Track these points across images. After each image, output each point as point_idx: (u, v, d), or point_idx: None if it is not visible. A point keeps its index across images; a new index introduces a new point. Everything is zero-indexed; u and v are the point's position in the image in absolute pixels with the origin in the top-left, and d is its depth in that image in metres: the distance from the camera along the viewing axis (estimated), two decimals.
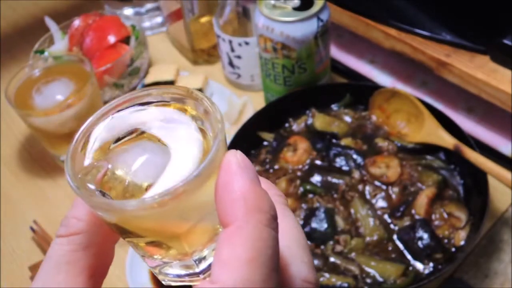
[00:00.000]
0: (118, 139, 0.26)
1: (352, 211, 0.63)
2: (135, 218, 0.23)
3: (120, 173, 0.25)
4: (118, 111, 0.26)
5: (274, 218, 0.23)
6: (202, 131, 0.25)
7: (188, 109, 0.26)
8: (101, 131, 0.26)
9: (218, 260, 0.21)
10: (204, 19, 0.88)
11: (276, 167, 0.69)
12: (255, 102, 0.81)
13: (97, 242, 0.26)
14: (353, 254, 0.60)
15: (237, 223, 0.22)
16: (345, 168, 0.67)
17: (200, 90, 0.83)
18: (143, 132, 0.26)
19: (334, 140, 0.71)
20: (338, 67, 0.84)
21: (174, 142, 0.25)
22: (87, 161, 0.25)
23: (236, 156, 0.23)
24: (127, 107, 0.27)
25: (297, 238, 0.26)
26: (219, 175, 0.23)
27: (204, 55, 0.92)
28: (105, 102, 0.85)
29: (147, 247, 0.26)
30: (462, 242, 0.59)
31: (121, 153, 0.25)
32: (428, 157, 0.67)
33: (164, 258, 0.26)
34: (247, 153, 0.71)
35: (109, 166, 0.25)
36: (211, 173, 0.23)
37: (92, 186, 0.24)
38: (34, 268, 0.67)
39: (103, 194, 0.24)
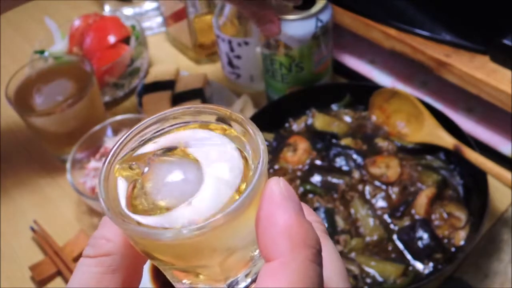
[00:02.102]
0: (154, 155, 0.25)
1: (352, 211, 0.63)
2: (169, 247, 0.22)
3: (151, 189, 0.23)
4: (155, 130, 0.25)
5: (319, 252, 0.22)
6: (241, 153, 0.24)
7: (229, 130, 0.25)
8: (136, 147, 0.25)
9: None
10: (208, 17, 0.88)
11: (276, 167, 0.70)
12: (255, 102, 0.81)
13: (127, 264, 0.24)
14: (353, 254, 0.60)
15: (283, 259, 0.21)
16: (345, 168, 0.67)
17: (200, 90, 0.83)
18: (179, 150, 0.25)
19: (334, 140, 0.71)
20: (338, 67, 0.84)
21: (212, 163, 0.24)
22: (120, 182, 0.24)
23: (279, 185, 0.22)
24: (164, 125, 0.25)
25: (339, 270, 0.25)
26: (261, 206, 0.22)
27: (207, 52, 0.92)
28: (105, 102, 0.85)
29: (178, 272, 0.24)
30: (462, 242, 0.59)
31: (156, 169, 0.24)
32: (428, 157, 0.67)
33: (194, 283, 0.25)
34: None
35: (146, 169, 0.24)
36: (252, 202, 0.22)
37: (123, 202, 0.23)
38: (34, 268, 0.67)
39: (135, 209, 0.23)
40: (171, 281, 0.26)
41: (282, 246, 0.21)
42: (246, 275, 0.25)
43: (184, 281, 0.25)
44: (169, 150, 0.25)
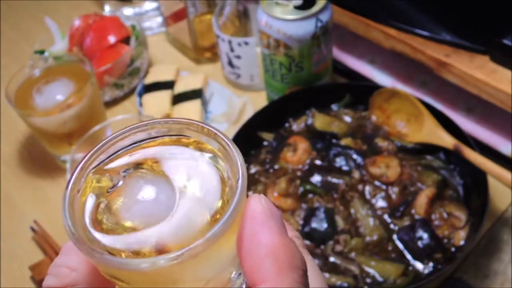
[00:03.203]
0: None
1: (352, 211, 0.63)
2: (146, 276, 0.21)
3: (121, 206, 0.22)
4: (126, 144, 0.24)
5: (305, 273, 0.21)
6: (217, 169, 0.23)
7: (204, 145, 0.24)
8: (107, 160, 0.24)
9: None
10: (208, 17, 0.88)
11: (276, 167, 0.70)
12: (255, 102, 0.82)
13: None
14: (353, 254, 0.60)
15: (269, 283, 0.20)
16: (345, 168, 0.67)
17: (200, 90, 0.83)
18: (151, 165, 0.23)
19: (334, 140, 0.71)
20: (338, 67, 0.84)
21: (186, 181, 0.22)
22: (89, 198, 0.22)
23: (261, 203, 0.21)
24: (135, 139, 0.24)
25: (321, 286, 0.25)
26: (243, 226, 0.21)
27: (207, 53, 0.92)
28: (105, 102, 0.85)
29: None
30: (462, 242, 0.59)
31: (127, 185, 0.22)
32: (428, 157, 0.67)
33: None
34: (247, 153, 0.71)
35: (119, 183, 0.22)
36: (233, 223, 0.20)
37: (88, 220, 0.22)
38: (34, 268, 0.67)
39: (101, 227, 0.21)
40: None
41: (268, 269, 0.20)
42: None
43: None
44: (140, 166, 0.23)
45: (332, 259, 0.60)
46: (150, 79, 0.87)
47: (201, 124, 0.23)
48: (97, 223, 0.22)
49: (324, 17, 0.69)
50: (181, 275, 0.21)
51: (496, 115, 0.71)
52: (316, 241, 0.61)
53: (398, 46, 0.72)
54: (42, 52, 0.89)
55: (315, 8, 0.68)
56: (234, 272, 0.23)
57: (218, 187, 0.22)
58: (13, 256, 0.70)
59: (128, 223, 0.21)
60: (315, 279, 0.24)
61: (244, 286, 0.25)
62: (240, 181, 0.21)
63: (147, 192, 0.22)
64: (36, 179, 0.80)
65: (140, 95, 0.85)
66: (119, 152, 0.24)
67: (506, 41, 0.62)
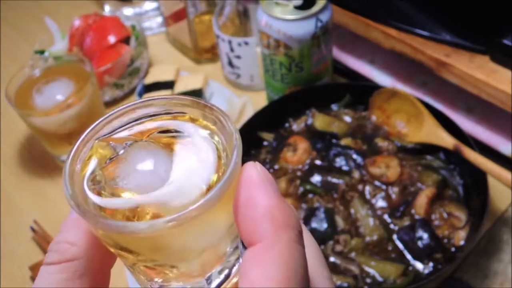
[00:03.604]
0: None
1: (352, 211, 0.63)
2: (144, 240, 0.21)
3: (119, 173, 0.23)
4: (128, 120, 0.25)
5: (301, 234, 0.21)
6: (214, 144, 0.23)
7: (199, 120, 0.24)
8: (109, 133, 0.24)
9: (248, 281, 0.20)
10: (208, 17, 0.88)
11: (276, 167, 0.70)
12: (255, 102, 0.82)
13: (94, 267, 0.23)
14: (353, 254, 0.60)
15: (266, 242, 0.20)
16: (345, 168, 0.67)
17: (200, 90, 0.83)
18: (150, 140, 0.24)
19: (334, 140, 0.71)
20: (338, 67, 0.84)
21: (183, 154, 0.23)
22: (92, 163, 0.23)
23: (257, 169, 0.22)
24: (134, 116, 0.25)
25: (316, 254, 0.25)
26: (239, 191, 0.21)
27: (207, 53, 0.92)
28: (105, 102, 0.85)
29: (149, 270, 0.24)
30: (462, 242, 0.59)
31: (127, 155, 0.23)
32: (428, 157, 0.67)
33: (167, 280, 0.24)
34: (247, 153, 0.71)
35: (121, 151, 0.23)
36: (228, 189, 0.21)
37: (86, 188, 0.22)
38: (34, 268, 0.67)
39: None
40: (140, 284, 0.25)
41: (265, 228, 0.20)
42: (220, 272, 0.24)
43: (156, 279, 0.24)
44: (139, 139, 0.24)
45: (332, 259, 0.60)
46: (150, 79, 0.87)
47: (197, 99, 0.24)
48: (96, 191, 0.23)
49: (324, 17, 0.69)
50: (178, 240, 0.21)
51: (496, 115, 0.71)
52: (316, 241, 0.61)
53: (398, 46, 0.72)
54: (42, 52, 0.89)
55: (315, 8, 0.68)
56: (229, 246, 0.24)
57: (214, 161, 0.22)
58: (13, 256, 0.70)
59: (125, 191, 0.22)
60: (309, 247, 0.25)
61: (238, 263, 0.25)
62: (235, 150, 0.22)
63: (145, 163, 0.23)
64: (36, 179, 0.80)
65: (140, 95, 0.85)
66: (119, 129, 0.25)
67: (506, 41, 0.62)
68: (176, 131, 0.24)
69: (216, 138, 0.24)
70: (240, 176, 0.22)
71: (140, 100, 0.25)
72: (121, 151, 0.23)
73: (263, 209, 0.21)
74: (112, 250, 0.23)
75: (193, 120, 0.24)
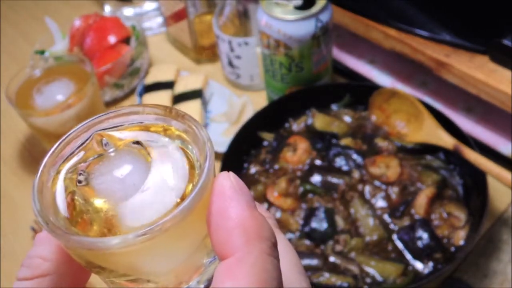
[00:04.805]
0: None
1: (352, 211, 0.63)
2: (118, 256, 0.21)
3: (93, 176, 0.22)
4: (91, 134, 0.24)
5: (275, 245, 0.21)
6: (185, 152, 0.23)
7: (170, 130, 0.24)
8: (75, 151, 0.24)
9: None
10: (208, 17, 0.88)
11: (276, 167, 0.70)
12: (255, 102, 0.82)
13: (67, 283, 0.23)
14: (352, 254, 0.60)
15: (238, 254, 0.20)
16: (345, 168, 0.67)
17: (200, 90, 0.83)
18: (119, 152, 0.23)
19: (334, 140, 0.71)
20: (338, 67, 0.85)
21: (156, 162, 0.22)
22: (59, 187, 0.23)
23: (230, 179, 0.21)
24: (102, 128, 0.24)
25: (294, 263, 0.25)
26: (212, 201, 0.21)
27: (207, 53, 0.92)
28: (106, 103, 0.85)
29: (127, 283, 0.23)
30: (461, 242, 0.59)
31: (96, 171, 0.23)
32: (428, 157, 0.67)
33: None
34: (247, 153, 0.71)
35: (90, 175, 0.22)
36: (201, 200, 0.21)
37: (62, 208, 0.22)
38: None
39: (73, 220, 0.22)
40: None
41: (236, 240, 0.20)
42: (199, 282, 0.24)
43: None
44: (106, 153, 0.24)
45: (332, 259, 0.60)
46: (150, 79, 0.87)
47: (168, 108, 0.24)
48: (70, 197, 0.22)
49: (324, 17, 0.69)
50: (153, 255, 0.21)
51: (496, 115, 0.71)
52: (316, 241, 0.61)
53: (398, 46, 0.72)
54: (42, 52, 0.89)
55: (315, 8, 0.68)
56: (206, 256, 0.23)
57: (187, 172, 0.22)
58: (13, 256, 0.70)
59: (96, 195, 0.22)
60: (287, 256, 0.24)
61: None
62: (207, 160, 0.21)
63: (121, 168, 0.22)
64: None
65: (141, 95, 0.86)
66: (84, 143, 0.25)
67: (506, 41, 0.62)
68: (149, 141, 0.23)
69: (190, 147, 0.23)
70: (213, 186, 0.21)
71: (111, 111, 0.24)
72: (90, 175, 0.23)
73: (235, 221, 0.21)
74: (84, 265, 0.23)
75: (165, 130, 0.24)
